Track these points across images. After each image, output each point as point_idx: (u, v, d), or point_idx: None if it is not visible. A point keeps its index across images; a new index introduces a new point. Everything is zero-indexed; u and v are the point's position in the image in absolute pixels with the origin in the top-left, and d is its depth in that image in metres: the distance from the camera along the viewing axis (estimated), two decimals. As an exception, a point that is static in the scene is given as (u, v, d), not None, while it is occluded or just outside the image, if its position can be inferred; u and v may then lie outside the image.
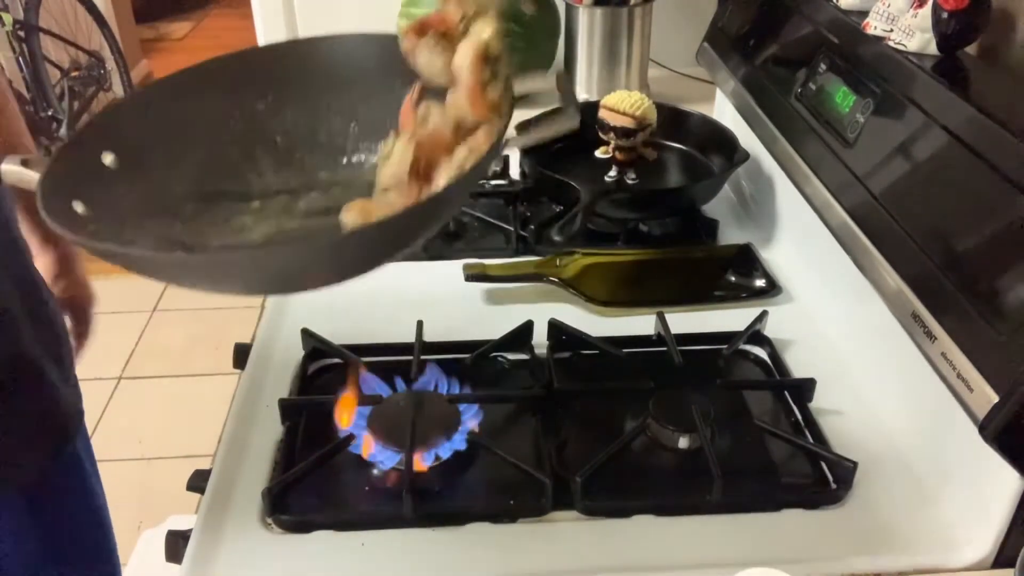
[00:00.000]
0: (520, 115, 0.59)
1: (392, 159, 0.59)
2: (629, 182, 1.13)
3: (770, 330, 0.92)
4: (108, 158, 0.62)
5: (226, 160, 0.68)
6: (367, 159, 0.69)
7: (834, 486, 0.73)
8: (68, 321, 0.99)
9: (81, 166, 0.60)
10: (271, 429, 0.79)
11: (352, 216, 0.59)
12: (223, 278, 0.56)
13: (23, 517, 0.84)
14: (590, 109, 1.18)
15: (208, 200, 0.66)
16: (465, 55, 0.57)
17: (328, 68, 0.68)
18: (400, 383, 0.82)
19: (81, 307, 1.00)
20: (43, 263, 0.95)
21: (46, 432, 0.86)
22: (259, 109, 0.69)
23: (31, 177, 0.57)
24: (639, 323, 0.93)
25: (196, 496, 0.75)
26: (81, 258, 0.99)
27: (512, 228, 1.09)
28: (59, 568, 0.90)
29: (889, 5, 0.84)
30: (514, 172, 1.20)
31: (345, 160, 0.70)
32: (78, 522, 0.94)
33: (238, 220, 0.66)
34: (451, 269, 1.00)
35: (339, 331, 0.88)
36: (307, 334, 0.88)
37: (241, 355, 0.90)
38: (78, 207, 0.57)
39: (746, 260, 1.05)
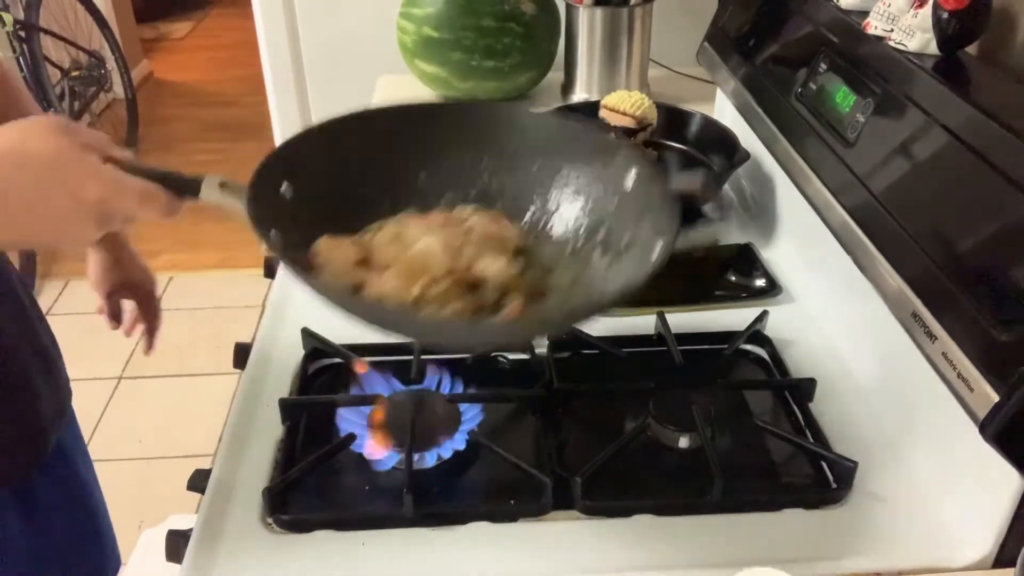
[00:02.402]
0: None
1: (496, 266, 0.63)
2: (629, 182, 1.13)
3: (770, 330, 0.92)
4: (284, 186, 0.64)
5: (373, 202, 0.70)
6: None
7: (834, 486, 0.73)
8: (132, 309, 0.96)
9: (265, 195, 0.61)
10: (271, 429, 0.79)
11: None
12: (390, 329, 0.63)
13: (10, 517, 0.84)
14: (590, 109, 1.18)
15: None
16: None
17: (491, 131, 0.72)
18: (398, 383, 0.82)
19: (145, 291, 0.97)
20: (94, 259, 0.93)
21: (27, 434, 0.85)
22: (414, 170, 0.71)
23: (230, 203, 0.58)
24: (639, 323, 0.93)
25: (196, 496, 0.75)
26: (131, 244, 0.96)
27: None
28: (52, 565, 0.90)
29: (889, 5, 0.84)
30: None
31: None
32: (72, 520, 0.93)
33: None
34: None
35: (339, 331, 0.88)
36: (307, 334, 0.88)
37: (241, 355, 0.90)
38: (273, 234, 0.59)
39: (746, 260, 1.05)
